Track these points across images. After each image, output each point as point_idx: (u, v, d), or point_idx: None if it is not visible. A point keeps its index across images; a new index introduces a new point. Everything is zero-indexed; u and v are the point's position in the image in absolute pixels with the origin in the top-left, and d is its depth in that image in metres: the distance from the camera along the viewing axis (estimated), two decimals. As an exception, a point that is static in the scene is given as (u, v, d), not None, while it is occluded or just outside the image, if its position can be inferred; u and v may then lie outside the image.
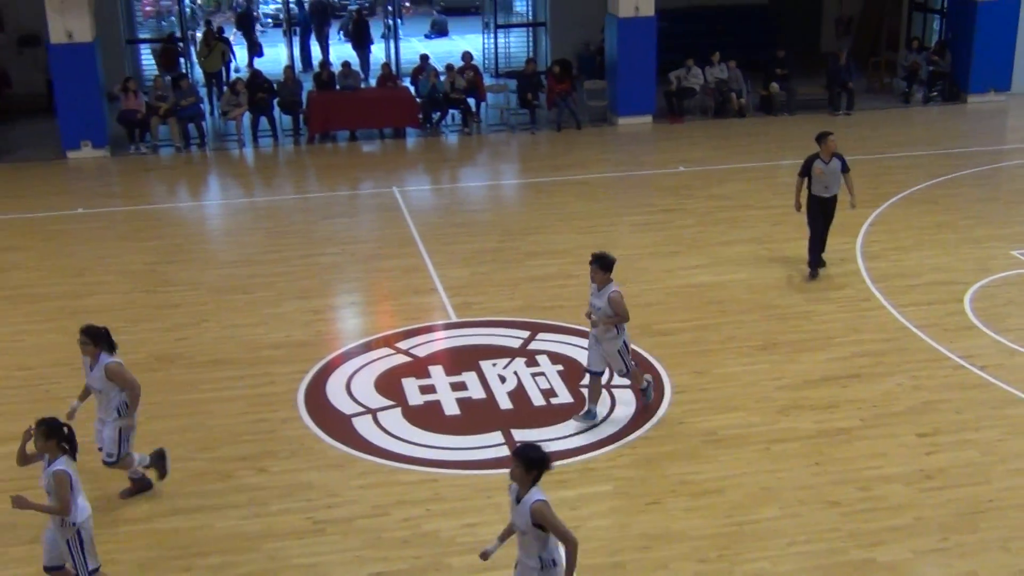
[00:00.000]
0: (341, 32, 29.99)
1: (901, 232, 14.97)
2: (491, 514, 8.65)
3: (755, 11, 25.46)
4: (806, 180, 13.24)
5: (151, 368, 11.27)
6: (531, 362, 11.26)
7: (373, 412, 10.34)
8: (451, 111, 21.55)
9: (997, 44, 22.06)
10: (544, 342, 11.73)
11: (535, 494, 6.44)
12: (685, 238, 14.97)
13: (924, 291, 12.96)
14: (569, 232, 15.28)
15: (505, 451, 9.40)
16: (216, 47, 23.15)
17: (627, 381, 10.34)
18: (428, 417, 10.25)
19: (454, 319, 12.49)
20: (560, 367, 11.11)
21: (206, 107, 21.93)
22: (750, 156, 19.07)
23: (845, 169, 13.11)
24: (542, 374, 11.01)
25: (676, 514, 8.68)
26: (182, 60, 24.10)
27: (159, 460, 9.21)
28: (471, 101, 21.42)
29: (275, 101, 20.91)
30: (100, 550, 7.67)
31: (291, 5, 27.13)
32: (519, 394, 10.62)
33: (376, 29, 27.85)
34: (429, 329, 12.27)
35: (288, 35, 26.27)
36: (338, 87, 21.46)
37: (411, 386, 10.82)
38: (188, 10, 27.39)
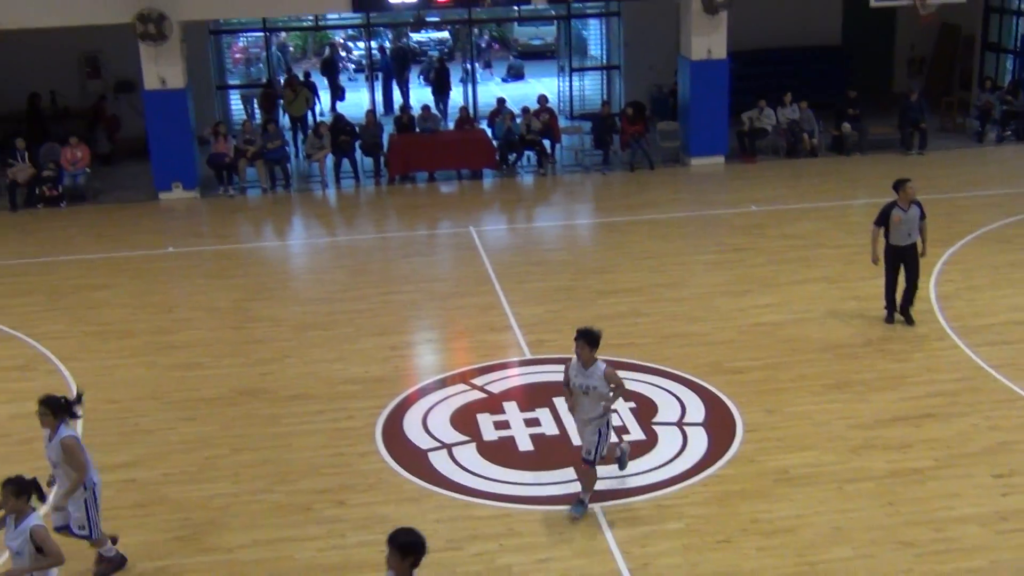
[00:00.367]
0: (421, 77, 30.66)
1: (975, 271, 14.88)
2: (563, 549, 8.84)
3: (827, 52, 25.46)
4: (883, 229, 12.94)
5: (234, 402, 11.70)
6: (603, 399, 11.43)
7: (448, 447, 10.59)
8: (527, 152, 21.91)
9: (1073, 83, 21.79)
10: (616, 380, 11.89)
11: None
12: (757, 277, 15.04)
13: (999, 331, 12.87)
14: (641, 271, 15.46)
15: (578, 487, 9.56)
16: (301, 92, 23.86)
17: (615, 453, 9.72)
18: (502, 453, 10.46)
19: (528, 356, 12.73)
20: (632, 404, 11.26)
21: (291, 150, 22.58)
22: (822, 195, 19.09)
23: (923, 216, 12.86)
24: (614, 411, 11.16)
25: (747, 553, 8.75)
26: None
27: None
28: (546, 143, 21.77)
29: (357, 144, 21.51)
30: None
31: (373, 51, 27.88)
32: (591, 430, 10.79)
33: (455, 73, 28.42)
34: (504, 366, 12.52)
35: (370, 80, 26.99)
36: (418, 130, 21.98)
37: (486, 422, 11.06)
38: (275, 57, 28.27)
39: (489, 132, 22.18)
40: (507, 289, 14.92)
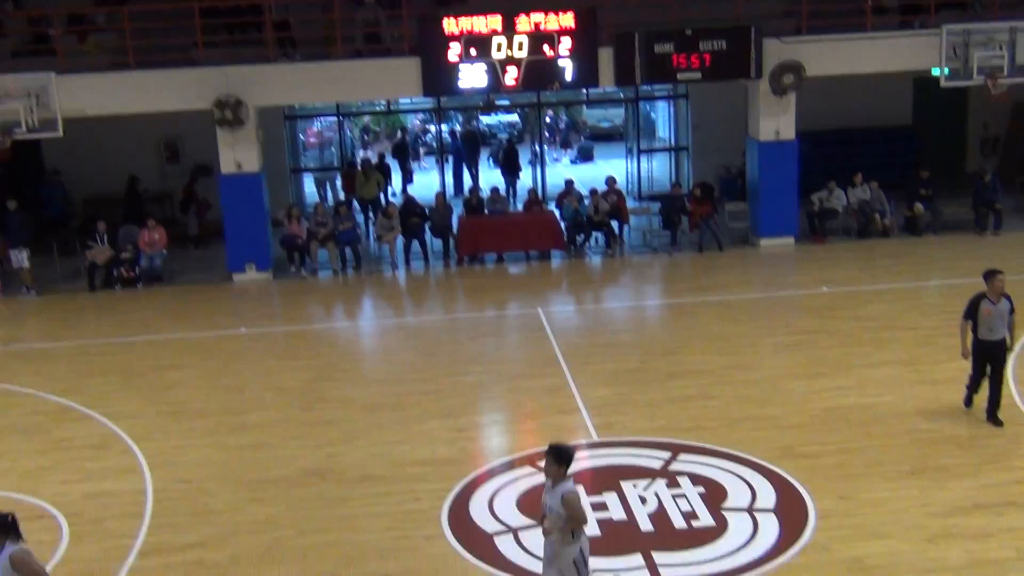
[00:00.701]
0: (491, 159, 31.10)
1: (1058, 355, 14.50)
2: (630, 636, 8.66)
3: (897, 132, 25.33)
4: (972, 322, 12.32)
5: (302, 483, 11.74)
6: (672, 483, 11.27)
7: (515, 531, 10.49)
8: (595, 234, 22.01)
9: None
10: (685, 463, 11.75)
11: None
12: (829, 359, 14.82)
13: (1084, 417, 12.49)
14: (710, 353, 15.33)
15: (646, 574, 9.39)
16: (373, 175, 24.31)
17: None
18: (569, 537, 10.33)
19: (595, 439, 12.63)
20: (701, 489, 11.09)
21: (363, 232, 22.94)
22: (895, 277, 18.82)
23: (1012, 310, 12.29)
24: (683, 496, 11.01)
25: (820, 643, 8.52)
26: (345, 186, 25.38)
27: None
28: (615, 224, 21.86)
29: (427, 225, 21.80)
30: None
31: (444, 135, 28.38)
32: (660, 516, 10.63)
33: (524, 155, 28.77)
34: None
35: (440, 163, 27.44)
36: (487, 211, 22.23)
37: (552, 505, 10.95)
38: (348, 141, 28.92)
39: (558, 213, 22.35)
40: (575, 371, 14.88)
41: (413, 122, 34.39)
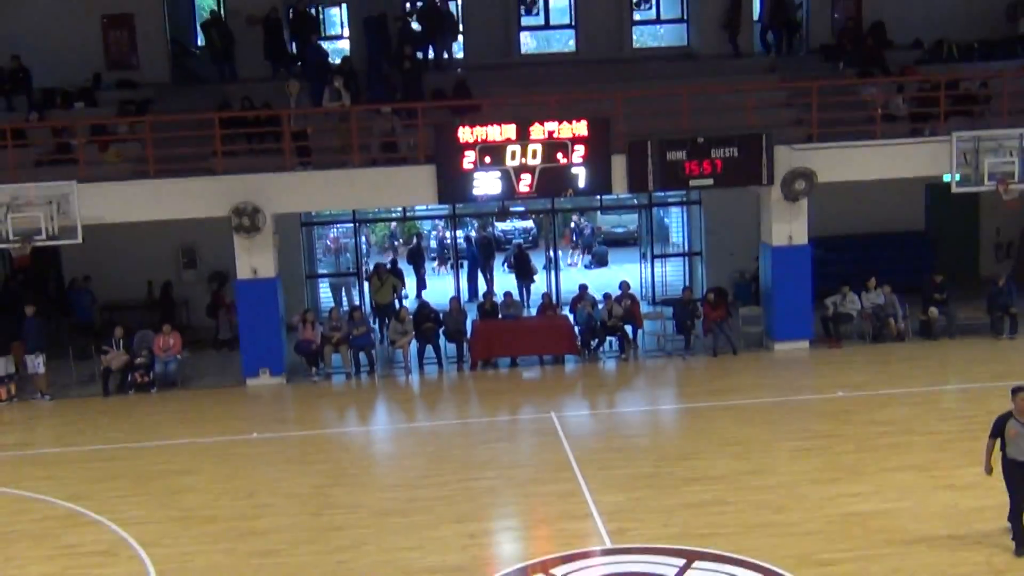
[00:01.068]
0: (505, 264, 31.30)
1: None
2: None
3: (910, 237, 25.44)
4: (998, 441, 11.70)
5: (312, 590, 11.58)
6: (686, 591, 11.08)
7: (526, 640, 10.31)
8: (609, 338, 22.00)
9: None
10: (701, 571, 11.54)
11: None
12: (845, 464, 14.64)
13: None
14: (725, 458, 15.17)
15: None
16: (388, 280, 24.48)
17: None
18: (581, 646, 10.14)
19: (609, 545, 12.44)
20: (716, 597, 10.89)
21: (377, 336, 23.01)
22: (911, 381, 18.70)
23: None
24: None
25: None
26: (360, 291, 25.57)
27: None
28: (628, 328, 21.86)
29: (441, 330, 21.86)
30: None
31: (458, 241, 28.65)
32: (674, 624, 10.44)
33: (539, 260, 28.96)
34: (584, 555, 12.23)
35: (455, 268, 27.62)
36: (501, 316, 22.29)
37: (564, 614, 10.78)
38: (364, 246, 29.18)
39: (571, 318, 22.39)
40: (588, 476, 14.73)
41: (436, 226, 34.75)
